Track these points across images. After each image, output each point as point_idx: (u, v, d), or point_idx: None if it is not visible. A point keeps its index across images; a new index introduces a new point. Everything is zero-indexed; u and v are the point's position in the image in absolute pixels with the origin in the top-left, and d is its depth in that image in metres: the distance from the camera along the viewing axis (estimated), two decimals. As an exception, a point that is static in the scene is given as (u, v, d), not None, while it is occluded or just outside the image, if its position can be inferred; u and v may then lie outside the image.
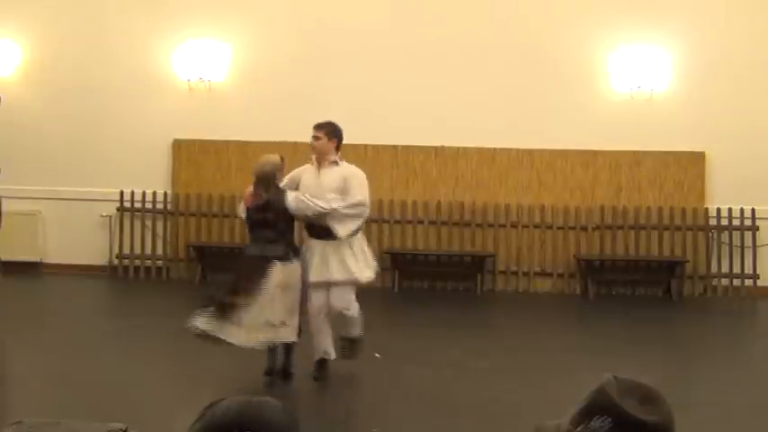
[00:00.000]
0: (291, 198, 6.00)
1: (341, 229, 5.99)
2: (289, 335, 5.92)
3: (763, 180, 9.59)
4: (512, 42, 9.85)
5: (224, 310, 5.76)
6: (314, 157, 6.23)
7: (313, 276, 6.05)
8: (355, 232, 6.09)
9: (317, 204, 5.98)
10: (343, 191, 6.04)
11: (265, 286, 5.80)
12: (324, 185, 6.07)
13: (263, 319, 5.78)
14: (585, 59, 9.82)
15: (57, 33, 10.26)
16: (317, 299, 6.10)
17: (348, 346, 6.27)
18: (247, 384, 5.99)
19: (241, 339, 5.76)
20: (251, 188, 6.12)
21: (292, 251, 6.04)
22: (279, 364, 6.09)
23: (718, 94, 9.64)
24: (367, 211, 6.20)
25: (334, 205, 5.98)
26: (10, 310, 8.07)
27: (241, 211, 6.24)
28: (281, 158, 6.18)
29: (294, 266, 5.97)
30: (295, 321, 5.96)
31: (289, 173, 6.30)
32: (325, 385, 6.08)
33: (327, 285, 6.09)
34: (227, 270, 6.84)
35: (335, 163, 6.16)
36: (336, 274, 6.04)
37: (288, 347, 6.11)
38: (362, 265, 6.13)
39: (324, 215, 6.01)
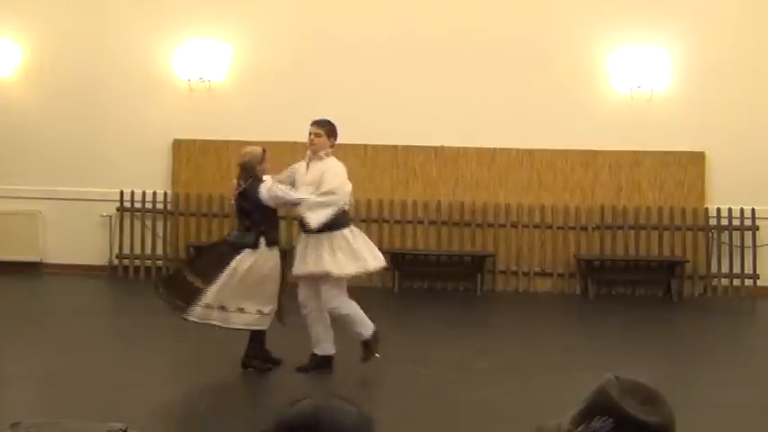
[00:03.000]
0: (265, 188, 6.13)
1: (312, 218, 6.06)
2: (255, 322, 6.07)
3: (763, 180, 9.59)
4: (512, 42, 9.84)
5: (183, 284, 6.04)
6: (309, 152, 6.36)
7: (294, 269, 6.24)
8: (330, 224, 6.10)
9: (287, 194, 6.16)
10: (319, 183, 6.16)
11: (227, 271, 5.98)
12: (306, 180, 6.23)
13: (219, 302, 5.96)
14: (585, 59, 9.82)
15: (57, 33, 10.26)
16: (300, 292, 6.27)
17: (363, 348, 6.28)
18: (247, 384, 6.00)
19: (198, 315, 5.99)
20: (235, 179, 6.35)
21: (268, 241, 6.11)
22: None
23: (718, 94, 9.63)
24: (339, 200, 6.17)
25: (305, 195, 6.12)
26: (10, 310, 8.07)
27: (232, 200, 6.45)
28: (263, 150, 6.33)
29: (268, 255, 6.08)
30: (269, 310, 6.09)
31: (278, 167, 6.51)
32: (324, 384, 6.07)
33: (312, 279, 6.19)
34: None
35: (320, 158, 6.28)
36: (312, 266, 6.13)
37: (254, 335, 6.19)
38: (341, 260, 6.12)
39: (296, 205, 6.25)
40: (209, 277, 5.98)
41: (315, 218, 6.05)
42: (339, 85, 9.85)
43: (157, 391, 5.84)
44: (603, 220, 9.90)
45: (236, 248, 6.06)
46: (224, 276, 5.96)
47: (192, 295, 5.98)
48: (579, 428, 1.54)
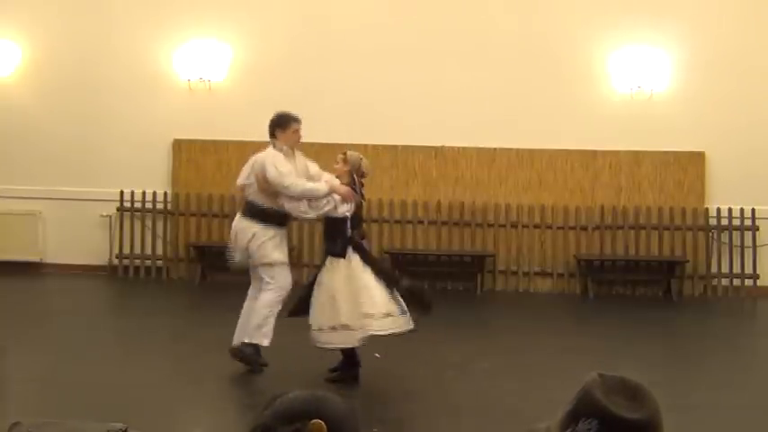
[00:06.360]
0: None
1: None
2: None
3: (763, 180, 9.59)
4: (512, 42, 9.85)
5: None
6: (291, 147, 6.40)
7: None
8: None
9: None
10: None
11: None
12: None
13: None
14: (586, 59, 9.82)
15: (57, 33, 10.26)
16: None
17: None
18: (248, 384, 6.00)
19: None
20: (341, 184, 6.08)
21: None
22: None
23: (718, 94, 9.64)
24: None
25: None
26: (10, 310, 8.07)
27: (347, 210, 6.05)
28: None
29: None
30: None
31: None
32: (324, 385, 6.07)
33: None
34: (227, 270, 6.87)
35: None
36: None
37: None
38: None
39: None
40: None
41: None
42: (339, 85, 9.86)
43: (157, 391, 5.84)
44: (603, 220, 9.90)
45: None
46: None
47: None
48: None
